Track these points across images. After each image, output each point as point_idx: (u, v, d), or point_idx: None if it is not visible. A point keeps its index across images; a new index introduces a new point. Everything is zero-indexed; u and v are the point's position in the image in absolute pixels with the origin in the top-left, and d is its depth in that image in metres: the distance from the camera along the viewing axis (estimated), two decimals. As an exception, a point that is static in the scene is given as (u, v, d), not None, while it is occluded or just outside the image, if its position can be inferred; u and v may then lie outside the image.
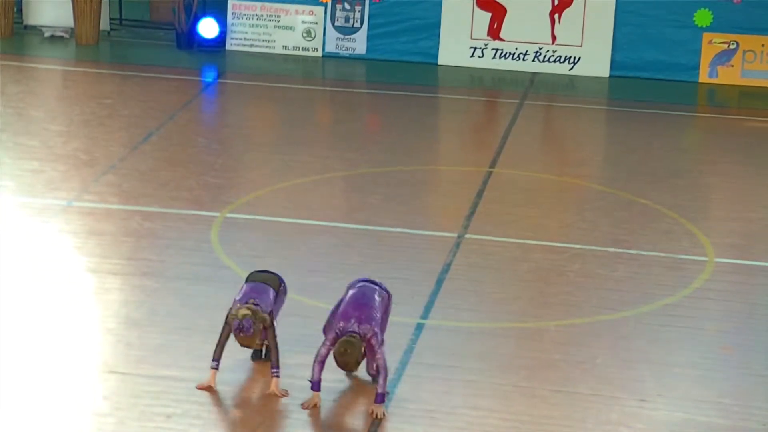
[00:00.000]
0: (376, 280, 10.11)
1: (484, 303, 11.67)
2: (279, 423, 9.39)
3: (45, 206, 13.63)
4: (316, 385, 9.56)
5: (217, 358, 9.71)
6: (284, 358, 10.19)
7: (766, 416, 9.75)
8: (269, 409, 9.58)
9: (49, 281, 11.71)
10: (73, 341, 10.52)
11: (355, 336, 9.44)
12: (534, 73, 20.47)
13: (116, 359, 10.22)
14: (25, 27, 21.93)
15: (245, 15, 21.24)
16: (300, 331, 10.66)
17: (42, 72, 19.91)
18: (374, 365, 9.70)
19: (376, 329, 9.53)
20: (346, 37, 21.08)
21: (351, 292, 9.88)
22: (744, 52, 20.25)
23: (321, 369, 9.55)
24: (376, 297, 9.82)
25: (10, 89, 18.36)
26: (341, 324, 9.54)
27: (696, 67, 20.34)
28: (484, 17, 20.74)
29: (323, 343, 9.58)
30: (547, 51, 20.59)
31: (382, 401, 9.49)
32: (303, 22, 21.10)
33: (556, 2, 20.53)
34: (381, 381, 9.50)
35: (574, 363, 10.49)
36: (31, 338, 10.53)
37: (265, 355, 10.09)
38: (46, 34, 21.59)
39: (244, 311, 9.46)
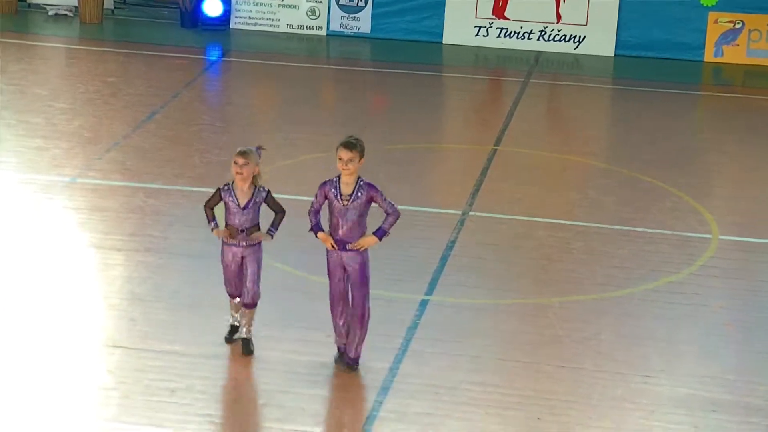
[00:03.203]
0: None
1: (488, 280, 11.66)
2: (283, 398, 9.39)
3: (49, 183, 13.63)
4: (316, 227, 9.64)
5: (212, 218, 9.80)
6: (285, 334, 10.21)
7: (771, 392, 9.75)
8: (273, 384, 9.58)
9: (53, 257, 11.71)
10: (77, 316, 10.52)
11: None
12: (539, 52, 20.43)
13: (120, 334, 10.23)
14: (29, 5, 21.91)
15: (249, -7, 21.20)
16: (302, 308, 10.68)
17: (46, 50, 19.89)
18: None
19: (373, 189, 9.55)
20: (351, 15, 21.03)
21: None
22: (749, 31, 20.20)
23: (316, 215, 9.64)
24: None
25: (13, 67, 18.34)
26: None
27: (701, 47, 20.30)
28: (489, -4, 20.71)
29: (315, 196, 9.63)
30: (552, 30, 20.55)
31: (380, 237, 9.56)
32: (307, 1, 21.06)
33: (561, -19, 20.49)
34: (390, 219, 9.59)
35: (579, 339, 10.48)
36: (35, 314, 10.53)
37: (233, 337, 10.08)
38: (50, 13, 21.57)
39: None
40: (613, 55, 20.39)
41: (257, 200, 9.70)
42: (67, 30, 20.87)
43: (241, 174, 9.60)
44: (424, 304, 11.05)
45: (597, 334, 10.60)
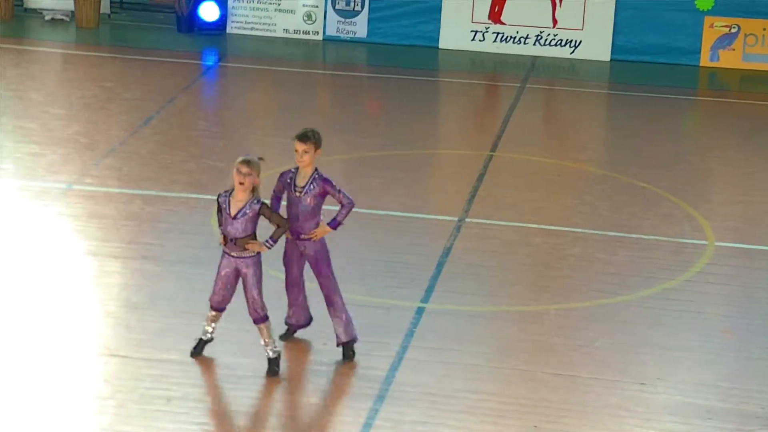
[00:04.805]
0: None
1: (484, 287, 11.67)
2: (279, 406, 9.40)
3: (45, 189, 13.63)
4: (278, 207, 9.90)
5: (220, 223, 9.72)
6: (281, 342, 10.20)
7: (766, 399, 9.76)
8: (269, 392, 9.58)
9: (49, 265, 11.71)
10: (73, 325, 10.52)
11: None
12: (535, 57, 20.44)
13: (117, 342, 10.23)
14: (26, 10, 21.90)
15: (246, -2, 21.21)
16: None
17: (42, 55, 19.88)
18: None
19: (326, 182, 9.73)
20: (347, 20, 21.04)
21: None
22: (745, 35, 20.22)
23: (278, 201, 9.84)
24: None
25: (10, 72, 18.34)
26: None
27: (697, 51, 20.31)
28: (485, 1, 20.71)
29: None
30: (548, 35, 20.56)
31: (335, 227, 9.76)
32: (304, 5, 21.07)
33: (557, -14, 20.51)
34: (344, 210, 9.77)
35: (574, 347, 10.50)
36: (31, 322, 10.53)
37: (200, 351, 10.07)
38: (47, 17, 21.57)
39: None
40: (609, 59, 20.41)
41: (248, 212, 9.55)
42: (64, 35, 20.87)
43: (243, 184, 9.50)
44: (420, 311, 11.06)
45: (592, 341, 10.62)
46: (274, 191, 9.95)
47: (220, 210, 9.70)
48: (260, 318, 9.72)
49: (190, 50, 20.18)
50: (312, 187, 9.74)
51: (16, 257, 11.83)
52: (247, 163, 9.51)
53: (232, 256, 9.69)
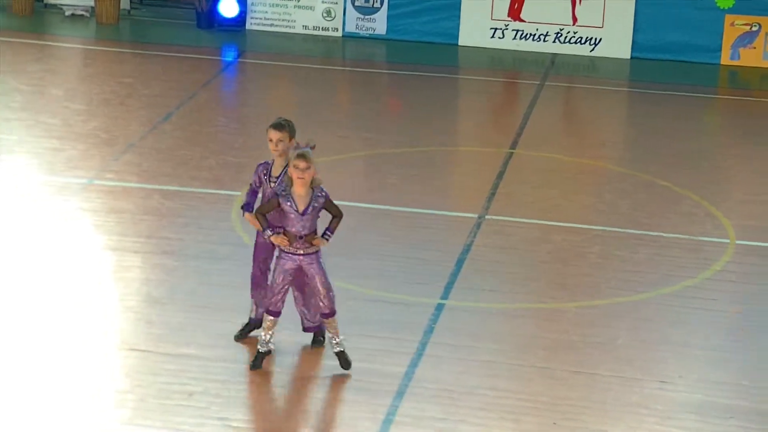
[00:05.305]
0: None
1: (503, 284, 11.66)
2: (298, 402, 9.40)
3: (65, 185, 13.66)
4: (247, 207, 9.81)
5: (267, 224, 9.49)
6: (301, 338, 10.20)
7: (787, 399, 9.73)
8: (289, 388, 9.59)
9: (69, 259, 11.74)
10: (93, 319, 10.54)
11: None
12: (555, 54, 20.40)
13: (136, 337, 10.25)
14: (46, 6, 21.95)
15: (265, -6, 21.22)
16: None
17: (62, 51, 19.93)
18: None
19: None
20: (366, 17, 21.03)
21: None
22: (766, 34, 20.14)
23: (253, 195, 9.81)
24: None
25: (30, 68, 18.39)
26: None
27: (718, 49, 20.24)
28: (505, -2, 20.69)
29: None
30: (568, 32, 20.52)
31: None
32: (323, 1, 21.06)
33: (577, -17, 20.47)
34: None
35: (594, 344, 10.47)
36: (51, 316, 10.56)
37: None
38: (67, 13, 21.61)
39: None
40: (629, 57, 20.35)
41: (316, 205, 9.37)
42: (84, 30, 20.91)
43: (303, 179, 9.29)
44: (439, 308, 11.05)
45: (612, 339, 10.59)
46: (251, 184, 9.90)
47: (269, 210, 9.44)
48: (332, 312, 9.61)
49: (209, 46, 20.20)
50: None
51: (36, 252, 11.86)
52: (303, 157, 9.27)
53: (298, 255, 9.47)
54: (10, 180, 13.73)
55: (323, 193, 9.42)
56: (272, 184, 9.73)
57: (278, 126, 9.80)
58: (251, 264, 10.10)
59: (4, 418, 8.98)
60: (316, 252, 9.51)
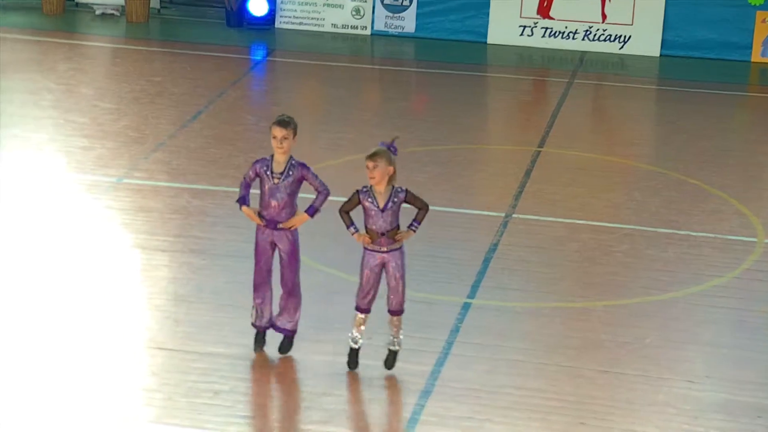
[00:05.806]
0: None
1: (530, 283, 11.64)
2: (325, 400, 9.42)
3: (94, 183, 13.73)
4: (242, 200, 9.80)
5: (350, 222, 9.50)
6: (327, 336, 10.21)
7: (816, 399, 9.67)
8: (315, 386, 9.60)
9: (98, 257, 11.80)
10: (121, 317, 10.60)
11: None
12: (584, 52, 20.34)
13: (164, 336, 10.29)
14: (77, 5, 22.08)
15: (294, -7, 21.25)
16: (343, 309, 10.43)
17: (92, 50, 20.03)
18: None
19: (304, 168, 9.69)
20: (395, 15, 21.04)
21: None
22: (797, 31, 20.01)
23: (247, 188, 9.78)
24: None
25: (60, 66, 18.49)
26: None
27: (749, 46, 20.13)
28: (534, -5, 20.65)
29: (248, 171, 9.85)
30: (598, 30, 20.45)
31: (312, 215, 9.64)
32: (352, 0, 21.08)
33: (606, -20, 20.40)
34: (321, 197, 9.68)
35: (622, 343, 10.44)
36: (80, 314, 10.62)
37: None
38: (97, 12, 21.72)
39: None
40: (658, 55, 20.27)
41: (395, 200, 9.39)
42: (114, 29, 21.01)
43: (374, 178, 9.32)
44: (466, 307, 11.04)
45: (640, 338, 10.55)
46: (245, 178, 9.87)
47: (352, 207, 9.46)
48: (402, 310, 9.64)
49: (238, 45, 20.25)
50: (290, 173, 9.64)
51: (65, 250, 11.93)
52: (372, 157, 9.29)
53: (382, 252, 9.48)
54: (40, 178, 13.82)
55: (403, 190, 9.44)
56: (275, 181, 9.68)
57: (282, 123, 9.76)
58: (277, 262, 10.06)
59: (32, 416, 9.04)
60: (400, 248, 9.53)
